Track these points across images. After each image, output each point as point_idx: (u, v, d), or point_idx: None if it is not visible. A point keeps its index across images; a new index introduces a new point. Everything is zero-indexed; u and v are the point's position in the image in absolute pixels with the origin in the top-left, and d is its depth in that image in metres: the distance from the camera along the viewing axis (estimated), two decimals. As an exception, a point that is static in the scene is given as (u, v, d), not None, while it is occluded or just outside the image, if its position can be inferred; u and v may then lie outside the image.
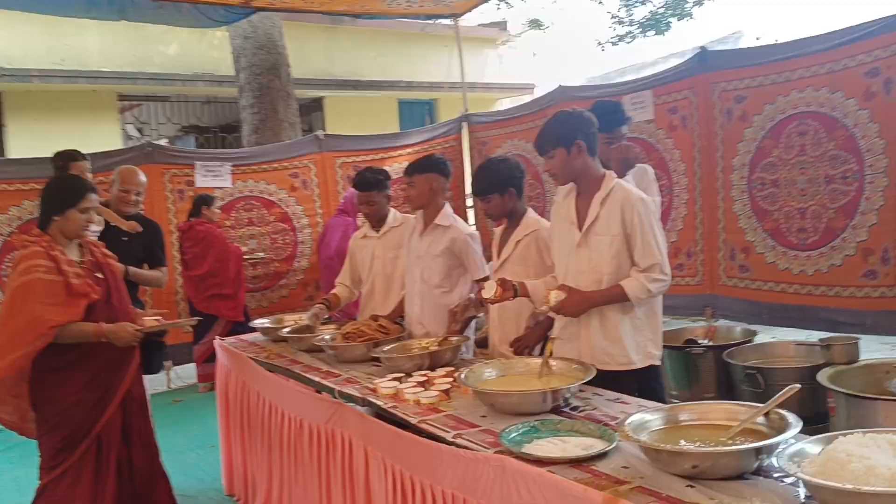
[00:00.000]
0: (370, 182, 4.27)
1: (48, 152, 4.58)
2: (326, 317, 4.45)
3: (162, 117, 12.04)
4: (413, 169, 3.91)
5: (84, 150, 5.69)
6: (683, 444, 1.96)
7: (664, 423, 2.12)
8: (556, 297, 2.90)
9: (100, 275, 3.46)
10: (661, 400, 3.05)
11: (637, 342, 3.05)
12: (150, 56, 11.03)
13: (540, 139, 3.04)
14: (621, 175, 3.32)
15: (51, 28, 10.01)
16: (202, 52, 11.40)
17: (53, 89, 10.62)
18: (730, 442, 1.95)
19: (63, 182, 3.54)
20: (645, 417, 2.12)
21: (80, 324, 3.28)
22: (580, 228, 3.02)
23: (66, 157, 4.41)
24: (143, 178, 4.60)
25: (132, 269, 4.34)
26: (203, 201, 6.55)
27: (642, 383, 3.07)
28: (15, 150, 10.26)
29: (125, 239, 4.44)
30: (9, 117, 10.67)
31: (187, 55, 11.32)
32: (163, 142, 12.10)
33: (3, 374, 3.21)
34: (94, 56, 10.63)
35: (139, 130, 12.43)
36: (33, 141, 10.16)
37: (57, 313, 3.22)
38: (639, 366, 3.04)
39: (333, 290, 4.54)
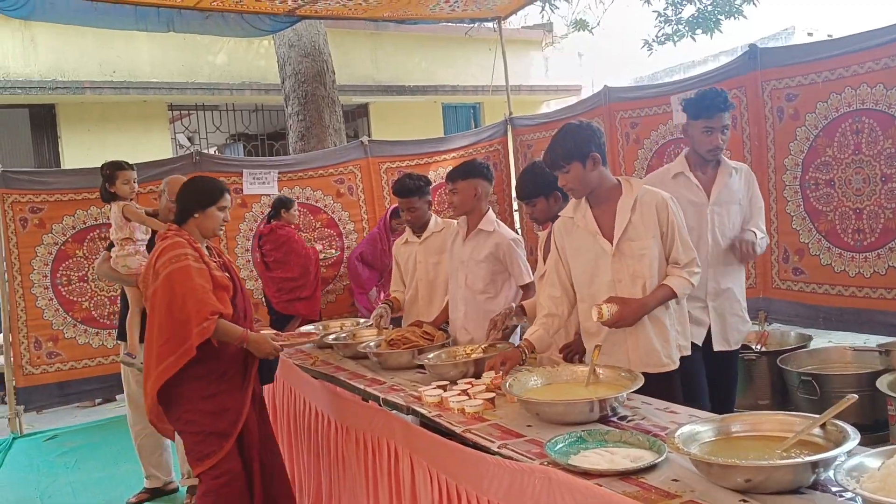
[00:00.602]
0: (409, 188, 4.29)
1: (101, 162, 4.68)
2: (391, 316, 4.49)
3: (211, 126, 12.23)
4: (456, 175, 3.89)
5: (135, 160, 5.81)
6: (736, 457, 1.90)
7: (716, 435, 2.06)
8: (608, 310, 2.85)
9: (227, 274, 3.46)
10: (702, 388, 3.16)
11: (675, 339, 3.07)
12: (198, 66, 11.23)
13: (553, 154, 2.99)
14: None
15: (102, 41, 10.25)
16: (249, 61, 11.56)
17: (105, 101, 10.88)
18: (784, 455, 1.88)
19: (205, 180, 3.59)
20: (696, 428, 2.06)
21: (229, 323, 3.29)
22: (610, 239, 2.98)
23: (114, 167, 4.50)
24: None
25: None
26: (283, 204, 6.63)
27: (685, 376, 3.09)
28: (69, 161, 10.55)
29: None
30: (63, 129, 10.96)
31: (234, 64, 11.49)
32: (212, 150, 12.32)
33: (184, 361, 3.15)
34: (144, 67, 10.86)
35: (189, 139, 12.65)
36: (87, 151, 10.46)
37: (216, 301, 3.23)
38: (677, 364, 3.05)
39: (394, 294, 4.61)
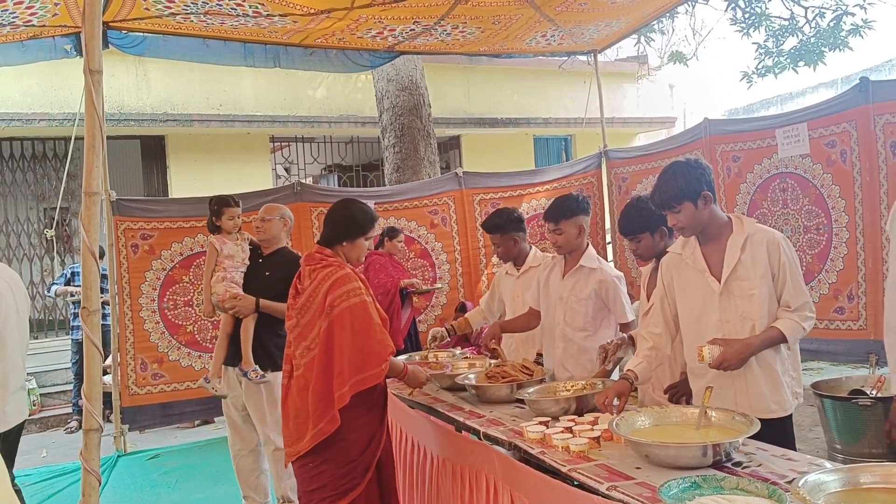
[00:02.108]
0: (490, 226, 4.38)
1: (206, 192, 4.89)
2: (446, 340, 4.59)
3: (308, 157, 12.59)
4: (559, 215, 3.81)
5: (237, 189, 6.04)
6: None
7: (842, 486, 1.96)
8: (710, 352, 2.77)
9: None
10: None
11: (788, 385, 2.96)
12: (299, 100, 11.61)
13: (663, 194, 2.92)
14: None
15: (209, 76, 10.73)
16: (347, 94, 11.88)
17: (211, 133, 11.35)
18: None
19: (360, 208, 3.44)
20: (821, 478, 1.96)
21: (395, 359, 3.26)
22: (718, 278, 2.90)
23: (221, 203, 4.66)
24: (275, 209, 4.74)
25: (264, 301, 4.52)
26: (388, 233, 6.93)
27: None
28: (176, 190, 11.03)
29: (268, 274, 4.64)
30: (171, 159, 11.48)
31: (333, 98, 11.83)
32: (308, 180, 12.65)
33: (344, 401, 3.07)
34: (248, 101, 11.30)
35: (286, 170, 13.04)
36: (193, 181, 10.92)
37: (391, 341, 3.19)
38: (791, 410, 2.95)
39: (469, 315, 4.72)
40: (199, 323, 6.56)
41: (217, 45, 6.46)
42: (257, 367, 4.53)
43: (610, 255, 8.08)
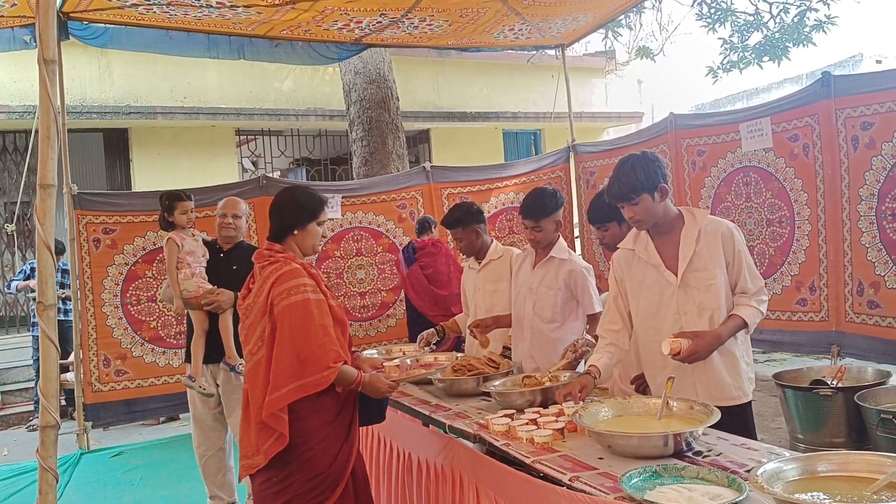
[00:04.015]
0: (451, 221, 4.35)
1: (170, 186, 4.82)
2: (437, 341, 4.54)
3: (276, 151, 12.48)
4: (540, 213, 3.79)
5: (202, 183, 5.97)
6: (823, 498, 1.82)
7: (800, 474, 1.98)
8: (679, 345, 2.79)
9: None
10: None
11: (745, 371, 3.01)
12: (265, 92, 11.50)
13: (622, 186, 2.92)
14: None
15: (173, 68, 10.58)
16: (314, 87, 11.79)
17: (175, 125, 11.20)
18: (874, 497, 1.80)
19: (303, 192, 3.21)
20: (780, 467, 1.98)
21: (347, 367, 2.95)
22: (674, 271, 2.92)
23: (172, 197, 4.60)
24: (242, 205, 4.76)
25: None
26: (432, 222, 6.95)
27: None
28: (140, 184, 10.88)
29: (234, 268, 4.61)
30: (135, 152, 11.31)
31: (300, 91, 11.73)
32: (275, 174, 12.55)
33: (275, 407, 2.82)
34: (213, 93, 11.17)
35: (253, 164, 12.92)
36: (157, 174, 10.78)
37: (338, 346, 2.91)
38: (751, 395, 3.00)
39: (454, 317, 4.72)
40: (162, 318, 6.46)
41: (180, 36, 6.37)
42: (242, 360, 4.51)
43: (578, 249, 8.11)
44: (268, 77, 11.35)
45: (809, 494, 1.85)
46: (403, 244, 7.25)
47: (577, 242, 8.18)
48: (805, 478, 1.97)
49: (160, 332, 6.47)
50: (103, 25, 6.02)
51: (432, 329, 4.62)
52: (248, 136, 12.46)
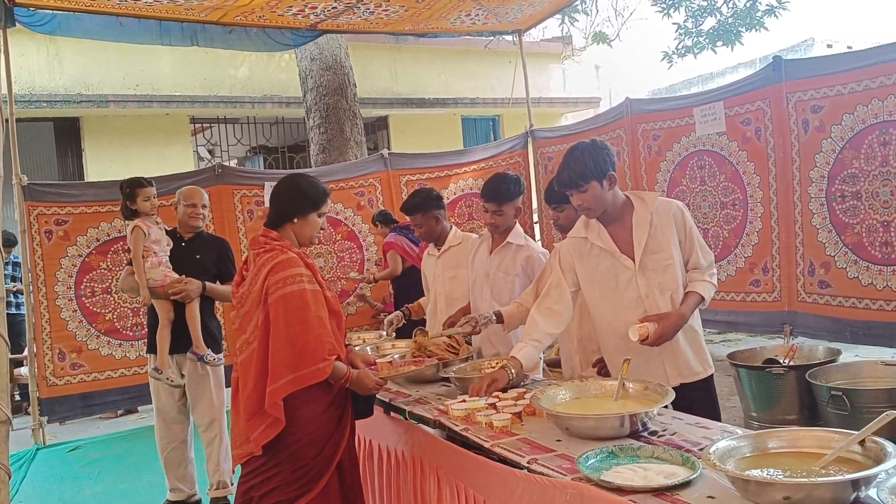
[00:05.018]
0: (410, 207, 4.34)
1: (124, 175, 4.72)
2: (402, 324, 4.59)
3: (232, 138, 12.33)
4: (502, 198, 3.78)
5: (157, 172, 5.87)
6: (773, 474, 1.86)
7: (751, 451, 2.02)
8: (646, 330, 2.82)
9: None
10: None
11: (705, 345, 3.07)
12: (220, 79, 11.33)
13: (571, 173, 2.91)
14: None
15: (125, 55, 10.37)
16: (270, 74, 11.66)
17: (128, 114, 11.00)
18: (823, 472, 1.84)
19: (308, 181, 3.13)
20: (731, 444, 2.02)
21: (339, 362, 2.90)
22: (630, 256, 2.96)
23: (133, 185, 4.51)
24: (205, 194, 4.73)
25: (209, 284, 4.48)
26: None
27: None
28: (93, 174, 10.66)
29: (198, 257, 4.57)
30: (87, 142, 11.09)
31: (256, 78, 11.59)
32: (232, 162, 12.41)
33: (276, 398, 2.76)
34: (166, 81, 10.98)
35: (210, 152, 12.75)
36: (110, 164, 10.57)
37: (334, 339, 2.86)
38: (713, 368, 3.07)
39: (418, 301, 4.73)
40: (118, 310, 6.37)
41: (131, 23, 6.25)
42: (210, 350, 4.48)
43: (537, 234, 8.17)
44: (222, 64, 11.18)
45: (760, 471, 1.89)
46: (362, 232, 7.22)
47: (537, 228, 8.23)
48: (756, 454, 2.01)
49: (116, 324, 6.38)
50: (51, 12, 5.88)
51: (399, 312, 4.68)
52: (204, 124, 12.28)
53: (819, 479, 1.77)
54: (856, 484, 1.71)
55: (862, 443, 1.89)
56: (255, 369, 2.83)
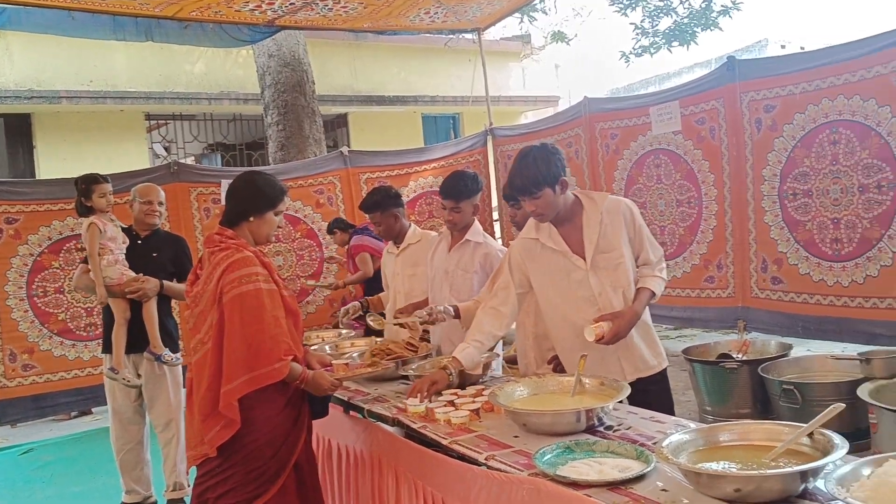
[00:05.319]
0: (369, 205, 4.34)
1: (77, 172, 4.62)
2: (358, 315, 4.60)
3: (188, 136, 12.15)
4: (460, 194, 3.78)
5: (111, 170, 5.76)
6: (725, 467, 1.90)
7: (703, 444, 2.06)
8: (601, 329, 2.84)
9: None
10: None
11: (657, 338, 3.11)
12: (176, 75, 11.17)
13: (523, 179, 2.88)
14: None
15: (78, 50, 10.16)
16: (227, 70, 11.52)
17: (82, 110, 10.78)
18: (773, 464, 1.89)
19: (265, 179, 3.06)
20: (683, 438, 2.05)
21: (294, 364, 2.83)
22: (582, 255, 2.98)
23: (89, 181, 4.42)
24: (161, 191, 4.67)
25: (166, 282, 4.42)
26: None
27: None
28: (45, 171, 10.42)
29: (155, 255, 4.51)
30: (39, 138, 10.84)
31: (213, 74, 11.44)
32: (189, 160, 12.22)
33: (231, 398, 2.70)
34: (121, 76, 10.78)
35: (166, 149, 12.56)
36: (62, 161, 10.36)
37: (290, 339, 2.81)
38: (667, 362, 3.11)
39: (378, 295, 4.73)
40: (71, 310, 6.24)
41: (84, 17, 6.13)
42: (167, 350, 4.42)
43: (497, 232, 8.20)
44: (178, 59, 11.02)
45: (712, 464, 1.93)
46: (322, 230, 7.18)
47: (497, 225, 8.27)
48: (708, 448, 2.04)
49: (69, 324, 6.25)
50: (1, 5, 5.73)
51: (356, 303, 4.69)
52: (159, 121, 12.09)
53: (768, 471, 1.81)
54: (804, 475, 1.75)
55: (811, 435, 1.93)
56: (209, 370, 2.77)
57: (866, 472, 1.66)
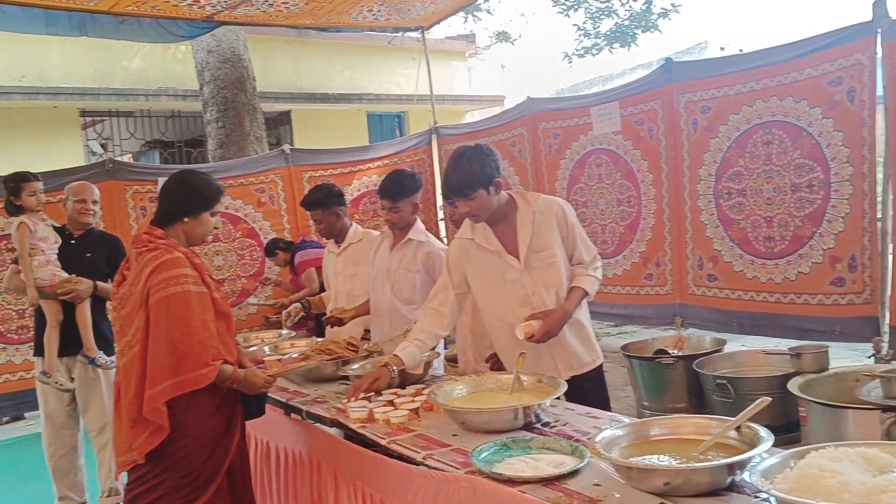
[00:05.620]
0: (311, 202, 4.30)
1: (8, 170, 4.47)
2: (301, 317, 4.56)
3: (125, 133, 11.86)
4: (398, 194, 3.76)
5: (45, 168, 5.60)
6: (655, 461, 1.93)
7: (635, 439, 2.09)
8: (531, 328, 2.86)
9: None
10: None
11: (592, 336, 3.15)
12: (112, 71, 10.89)
13: (459, 180, 2.88)
14: None
15: (10, 44, 9.83)
16: (166, 66, 11.27)
17: (14, 106, 10.43)
18: (702, 457, 1.92)
19: (202, 179, 2.97)
20: (616, 433, 2.09)
21: (224, 366, 2.75)
22: (515, 255, 3.00)
23: (19, 179, 4.29)
24: (96, 190, 4.56)
25: (100, 283, 4.31)
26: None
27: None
28: (-25, 168, 10.05)
29: (88, 255, 4.40)
30: (-31, 135, 10.45)
31: (150, 70, 11.19)
32: (127, 158, 11.95)
33: (155, 403, 2.62)
34: (55, 72, 10.47)
35: (102, 146, 12.24)
36: (-7, 159, 9.98)
37: (219, 343, 2.74)
38: (602, 358, 3.14)
39: (320, 295, 4.69)
40: (1, 312, 6.03)
41: (14, 10, 5.93)
42: (101, 352, 4.30)
43: (443, 231, 8.21)
44: (115, 55, 10.74)
45: (642, 457, 1.96)
46: (263, 229, 7.09)
47: (442, 224, 8.28)
48: (639, 442, 2.08)
49: (0, 326, 6.05)
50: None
51: (298, 304, 4.64)
52: (95, 118, 11.77)
53: (696, 464, 1.85)
54: (731, 468, 1.79)
55: (738, 429, 1.98)
56: (137, 373, 2.69)
57: (790, 464, 1.70)
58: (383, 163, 7.78)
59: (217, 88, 8.41)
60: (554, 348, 3.03)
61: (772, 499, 1.65)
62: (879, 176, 4.47)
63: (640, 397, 4.95)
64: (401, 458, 2.41)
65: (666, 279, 5.78)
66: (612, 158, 6.12)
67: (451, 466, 2.20)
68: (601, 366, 3.15)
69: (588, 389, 2.95)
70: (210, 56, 8.41)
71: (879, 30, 4.29)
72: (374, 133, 13.94)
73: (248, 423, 3.24)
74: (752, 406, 1.99)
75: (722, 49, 14.72)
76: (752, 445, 1.86)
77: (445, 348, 4.81)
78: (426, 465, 2.27)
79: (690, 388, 4.58)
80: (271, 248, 6.82)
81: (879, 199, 4.43)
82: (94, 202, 4.50)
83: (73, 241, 4.46)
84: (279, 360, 3.46)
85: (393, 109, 14.16)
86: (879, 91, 4.37)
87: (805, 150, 4.72)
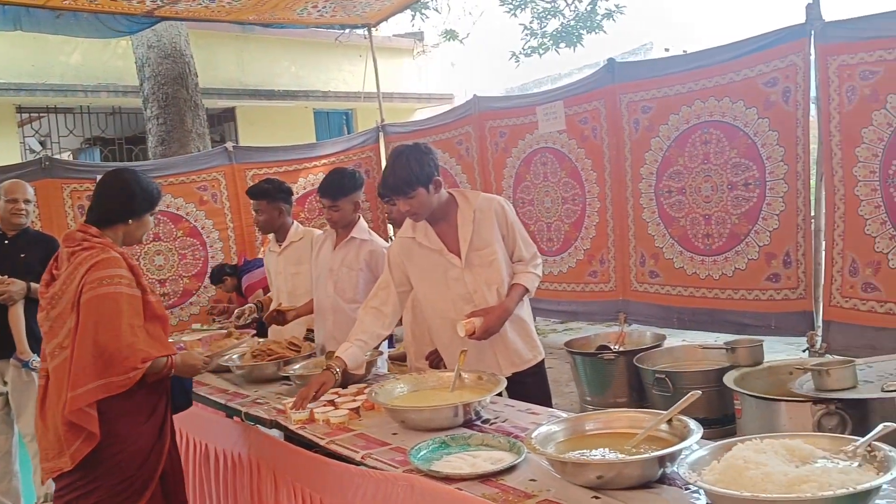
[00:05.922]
0: (257, 191, 4.28)
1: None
2: (253, 317, 4.50)
3: (64, 130, 11.55)
4: (338, 193, 3.73)
5: (-23, 166, 5.42)
6: (588, 455, 1.96)
7: (570, 434, 2.12)
8: (472, 325, 2.87)
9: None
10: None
11: (533, 333, 3.18)
12: (50, 66, 10.59)
13: (397, 179, 2.88)
14: None
15: (-59, 37, 9.51)
16: (105, 61, 11.01)
17: (-55, 102, 10.10)
18: (634, 451, 1.96)
19: (144, 180, 2.91)
20: (551, 428, 2.11)
21: (157, 359, 2.70)
22: (457, 253, 3.01)
23: None
24: (29, 188, 4.45)
25: (34, 284, 4.20)
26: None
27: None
28: None
29: (23, 256, 4.30)
30: None
31: (90, 65, 10.91)
32: (66, 155, 11.63)
33: (77, 405, 2.54)
34: (-11, 66, 10.15)
35: (41, 144, 11.89)
36: (-77, 156, 9.63)
37: (149, 344, 2.68)
38: (543, 354, 3.17)
39: (269, 295, 4.61)
40: (-69, 315, 5.83)
41: (-57, 2, 5.74)
42: (35, 355, 4.17)
43: (391, 230, 8.18)
44: (52, 50, 10.44)
45: (577, 452, 1.99)
46: (206, 228, 6.98)
47: (390, 225, 8.24)
48: (574, 437, 2.11)
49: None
50: None
51: (251, 304, 4.59)
52: (32, 115, 11.44)
53: (628, 458, 1.89)
54: (661, 461, 1.83)
55: (670, 422, 2.02)
56: (68, 377, 2.61)
57: (717, 456, 1.74)
58: (330, 161, 7.72)
59: (158, 84, 8.24)
60: (495, 345, 3.05)
61: (700, 491, 1.69)
62: (813, 174, 4.60)
63: (584, 392, 5.02)
64: (341, 458, 2.40)
65: (610, 276, 5.86)
66: (557, 157, 6.18)
67: (390, 465, 2.20)
68: (542, 362, 3.18)
69: (530, 385, 2.99)
70: (150, 51, 8.24)
71: (813, 31, 4.41)
72: (322, 131, 13.82)
73: (187, 425, 3.20)
74: (683, 399, 2.03)
75: (667, 50, 14.94)
76: (683, 438, 1.90)
77: (391, 347, 4.82)
78: (365, 465, 2.26)
79: (631, 383, 4.65)
80: (218, 275, 6.54)
81: (813, 196, 4.55)
82: (27, 201, 4.41)
83: (6, 242, 4.36)
84: (199, 340, 3.43)
85: (340, 107, 14.05)
86: (813, 92, 4.49)
87: (741, 149, 4.84)
